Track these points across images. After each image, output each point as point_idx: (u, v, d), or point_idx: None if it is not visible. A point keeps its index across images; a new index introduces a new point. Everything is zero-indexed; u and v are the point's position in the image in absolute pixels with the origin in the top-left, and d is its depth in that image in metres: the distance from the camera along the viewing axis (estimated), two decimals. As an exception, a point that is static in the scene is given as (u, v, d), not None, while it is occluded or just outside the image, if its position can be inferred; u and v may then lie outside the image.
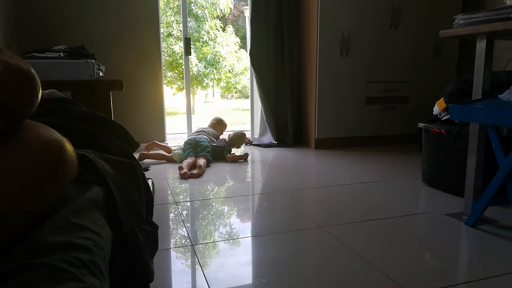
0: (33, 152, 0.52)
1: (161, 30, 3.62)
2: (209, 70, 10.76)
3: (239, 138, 3.30)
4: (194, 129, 3.73)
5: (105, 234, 0.61)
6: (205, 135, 3.20)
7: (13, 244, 0.47)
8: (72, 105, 0.96)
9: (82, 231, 0.55)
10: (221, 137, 3.44)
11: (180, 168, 2.66)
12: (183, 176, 2.57)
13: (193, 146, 3.03)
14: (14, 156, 0.50)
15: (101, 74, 2.76)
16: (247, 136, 3.93)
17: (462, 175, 1.79)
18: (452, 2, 3.62)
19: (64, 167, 0.55)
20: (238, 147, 3.37)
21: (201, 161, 2.77)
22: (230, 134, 3.31)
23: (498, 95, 1.64)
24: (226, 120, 3.79)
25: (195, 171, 2.63)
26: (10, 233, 0.47)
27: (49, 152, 0.53)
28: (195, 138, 3.11)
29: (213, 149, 3.07)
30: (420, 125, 2.31)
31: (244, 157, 3.11)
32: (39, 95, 0.58)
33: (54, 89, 1.07)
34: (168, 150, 3.21)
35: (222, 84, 11.59)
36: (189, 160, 2.85)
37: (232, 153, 3.20)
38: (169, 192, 2.27)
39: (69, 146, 0.57)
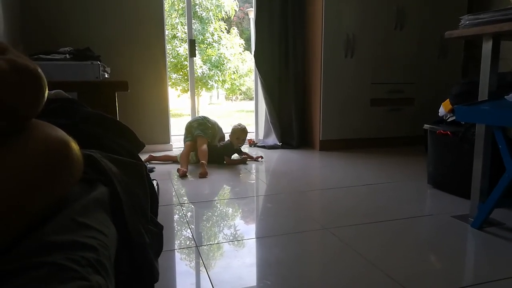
0: (39, 151, 0.52)
1: (166, 32, 3.62)
2: (214, 72, 10.79)
3: (235, 133, 3.11)
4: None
5: (110, 233, 0.61)
6: (200, 118, 3.19)
7: (18, 242, 0.47)
8: (78, 105, 0.97)
9: (87, 230, 0.55)
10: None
11: (178, 170, 2.69)
12: (182, 175, 2.62)
13: (188, 131, 3.09)
14: (20, 154, 0.50)
15: (106, 76, 2.77)
16: (251, 138, 3.94)
17: (468, 177, 1.78)
18: (458, 2, 3.60)
19: (70, 166, 0.55)
20: (239, 143, 3.12)
21: (201, 153, 2.78)
22: (230, 133, 3.17)
23: (505, 96, 1.63)
24: (231, 122, 3.77)
25: (201, 171, 2.64)
26: (14, 232, 0.47)
27: (55, 151, 0.53)
28: (189, 121, 3.20)
29: (222, 149, 3.07)
30: (426, 126, 2.30)
31: (243, 161, 3.10)
32: (46, 95, 0.58)
33: (60, 89, 1.07)
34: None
35: (227, 85, 11.61)
36: (185, 151, 2.89)
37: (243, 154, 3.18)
38: (174, 193, 2.28)
39: (75, 146, 0.57)
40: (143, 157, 3.06)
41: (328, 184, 2.42)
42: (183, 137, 3.19)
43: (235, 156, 3.14)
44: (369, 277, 1.27)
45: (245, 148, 3.65)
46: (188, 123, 3.19)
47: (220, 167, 2.93)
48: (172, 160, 3.12)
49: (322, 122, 3.44)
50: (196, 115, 3.37)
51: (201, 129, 3.02)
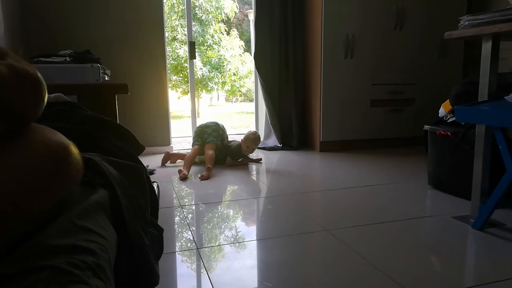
0: (38, 154, 0.52)
1: (166, 34, 3.63)
2: (214, 74, 10.80)
3: (246, 141, 3.06)
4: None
5: (110, 236, 0.61)
6: (211, 123, 3.19)
7: (18, 245, 0.47)
8: (78, 108, 0.97)
9: (87, 233, 0.55)
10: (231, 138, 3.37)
11: (180, 171, 2.70)
12: (183, 177, 2.61)
13: (199, 135, 3.06)
14: (19, 158, 0.50)
15: (106, 78, 2.77)
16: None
17: (468, 178, 1.78)
18: (457, 3, 3.61)
19: (69, 169, 0.55)
20: (248, 151, 3.09)
21: (208, 158, 2.77)
22: (242, 138, 3.10)
23: (505, 97, 1.63)
24: (231, 123, 3.77)
25: (204, 173, 2.64)
26: (14, 235, 0.47)
27: (54, 154, 0.53)
28: (201, 125, 3.16)
29: (229, 149, 3.06)
30: (426, 127, 2.30)
31: (244, 163, 3.09)
32: (45, 99, 0.58)
33: (60, 93, 1.07)
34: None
35: (227, 87, 11.62)
36: (191, 153, 2.89)
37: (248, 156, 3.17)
38: (174, 195, 2.28)
39: (74, 149, 0.57)
40: (146, 159, 3.06)
41: (329, 185, 2.42)
42: (192, 140, 3.19)
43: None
44: (370, 279, 1.27)
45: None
46: (199, 127, 3.15)
47: (222, 169, 2.93)
48: (179, 157, 3.13)
49: (322, 123, 3.44)
50: (207, 121, 3.28)
51: (214, 135, 3.00)
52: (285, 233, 1.67)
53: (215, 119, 3.36)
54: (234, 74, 11.36)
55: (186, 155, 3.11)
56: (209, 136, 3.01)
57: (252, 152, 3.13)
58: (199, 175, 2.65)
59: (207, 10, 10.53)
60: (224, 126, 3.33)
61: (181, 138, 4.57)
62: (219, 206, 2.08)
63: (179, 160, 3.17)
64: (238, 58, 11.53)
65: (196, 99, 4.91)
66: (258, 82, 3.75)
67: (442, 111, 2.26)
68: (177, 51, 10.23)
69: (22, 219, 0.49)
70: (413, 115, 3.64)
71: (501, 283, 1.22)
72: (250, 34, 10.28)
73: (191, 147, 3.14)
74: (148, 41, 3.43)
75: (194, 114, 3.92)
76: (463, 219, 1.77)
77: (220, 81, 11.02)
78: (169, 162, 3.16)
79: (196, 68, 10.23)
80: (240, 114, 11.09)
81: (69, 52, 2.61)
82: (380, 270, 1.32)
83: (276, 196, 2.24)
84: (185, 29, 8.62)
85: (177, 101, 11.58)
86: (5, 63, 0.53)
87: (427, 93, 3.63)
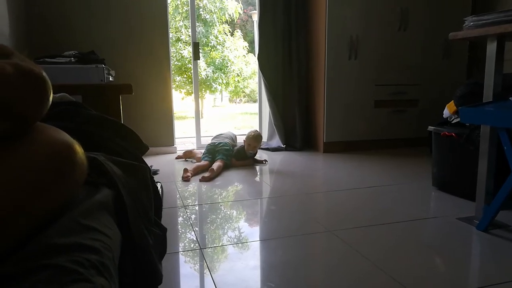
0: (43, 154, 0.52)
1: (170, 35, 3.64)
2: (218, 75, 10.82)
3: (247, 139, 3.10)
4: (202, 133, 3.79)
5: (114, 235, 0.61)
6: (228, 140, 3.18)
7: (22, 245, 0.47)
8: (82, 108, 0.97)
9: (91, 232, 0.55)
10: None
11: (185, 171, 2.69)
12: (186, 179, 2.61)
13: (211, 152, 3.04)
14: (24, 157, 0.50)
15: (111, 79, 2.78)
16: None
17: (473, 179, 1.77)
18: (462, 4, 3.59)
19: (74, 169, 0.55)
20: (250, 149, 3.09)
21: (215, 165, 2.78)
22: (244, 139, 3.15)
23: (510, 98, 1.62)
24: (235, 124, 3.77)
25: (206, 174, 2.63)
26: (18, 234, 0.48)
27: (59, 154, 0.53)
28: (215, 143, 3.11)
29: (233, 152, 3.07)
30: (430, 128, 2.29)
31: (248, 163, 3.09)
32: (50, 98, 0.58)
33: (65, 93, 1.08)
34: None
35: (231, 88, 11.63)
36: (201, 163, 2.90)
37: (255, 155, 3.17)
38: (178, 195, 2.28)
39: (79, 149, 0.58)
40: (150, 160, 3.07)
41: (332, 186, 2.42)
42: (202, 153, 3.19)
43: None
44: (374, 280, 1.27)
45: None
46: (211, 145, 3.10)
47: (226, 169, 2.93)
48: (196, 159, 3.16)
49: (326, 124, 3.44)
50: (224, 134, 3.32)
51: (225, 154, 2.99)
52: (288, 234, 1.66)
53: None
54: (238, 75, 11.37)
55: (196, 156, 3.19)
56: (219, 153, 2.98)
57: (254, 150, 3.11)
58: (201, 175, 2.64)
59: (211, 11, 10.55)
60: (236, 136, 3.37)
61: (185, 139, 4.58)
62: (223, 207, 2.08)
63: (192, 159, 3.26)
64: (242, 59, 11.54)
65: (199, 100, 4.91)
66: (261, 83, 3.76)
67: (446, 112, 2.25)
68: (181, 52, 10.26)
69: (26, 220, 0.49)
70: (416, 116, 3.63)
71: (505, 285, 1.21)
72: (254, 35, 10.29)
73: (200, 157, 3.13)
74: (152, 42, 3.44)
75: (197, 115, 3.93)
76: (468, 221, 1.76)
77: (224, 82, 11.04)
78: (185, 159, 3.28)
79: (200, 69, 10.25)
80: (244, 115, 11.10)
81: (74, 53, 2.63)
82: (383, 271, 1.31)
83: (280, 197, 2.24)
84: (189, 30, 8.65)
85: (181, 102, 11.61)
86: (11, 62, 0.53)
87: (431, 94, 3.61)
